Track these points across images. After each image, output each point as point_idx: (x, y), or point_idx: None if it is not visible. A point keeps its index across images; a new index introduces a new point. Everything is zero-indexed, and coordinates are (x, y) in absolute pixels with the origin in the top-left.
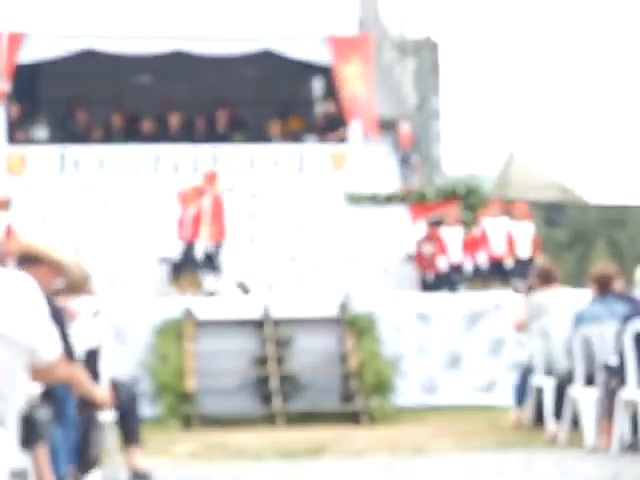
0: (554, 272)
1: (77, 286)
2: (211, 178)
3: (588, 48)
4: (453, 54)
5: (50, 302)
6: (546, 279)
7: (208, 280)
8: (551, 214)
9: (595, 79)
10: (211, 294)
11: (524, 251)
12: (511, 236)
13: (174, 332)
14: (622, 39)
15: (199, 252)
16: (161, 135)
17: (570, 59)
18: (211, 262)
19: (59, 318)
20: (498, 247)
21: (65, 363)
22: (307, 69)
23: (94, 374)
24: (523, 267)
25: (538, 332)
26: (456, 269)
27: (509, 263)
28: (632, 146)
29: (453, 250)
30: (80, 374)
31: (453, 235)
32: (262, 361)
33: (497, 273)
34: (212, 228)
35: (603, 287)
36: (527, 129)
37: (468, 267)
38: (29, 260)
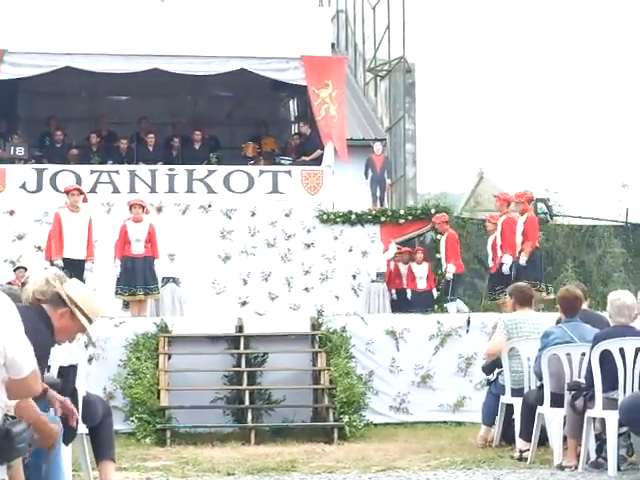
0: (530, 293)
1: None
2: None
3: (557, 69)
4: (424, 75)
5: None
6: (521, 300)
7: None
8: None
9: (565, 99)
10: None
11: None
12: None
13: (148, 347)
14: (590, 62)
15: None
16: (138, 154)
17: (541, 78)
18: None
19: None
20: None
21: (38, 378)
22: (281, 90)
23: (70, 390)
24: None
25: (508, 351)
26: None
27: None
28: (599, 164)
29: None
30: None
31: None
32: (235, 377)
33: None
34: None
35: (570, 309)
36: (497, 148)
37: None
38: (58, 300)
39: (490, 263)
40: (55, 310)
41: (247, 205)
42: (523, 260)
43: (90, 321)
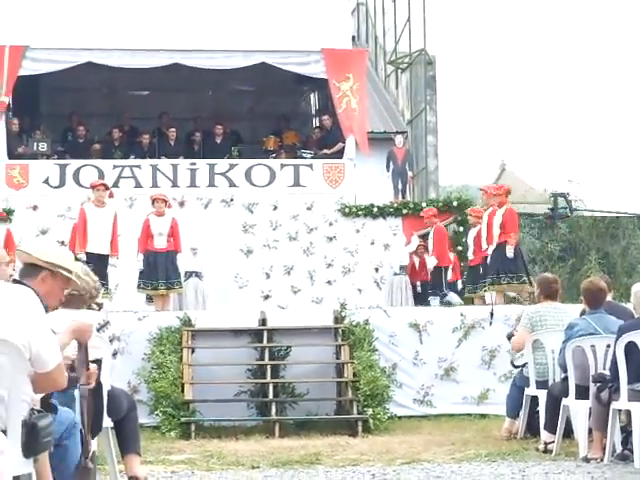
0: (556, 286)
1: (85, 295)
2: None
3: (579, 61)
4: (445, 67)
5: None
6: (547, 293)
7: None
8: (543, 226)
9: (587, 90)
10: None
11: None
12: None
13: (171, 341)
14: (612, 53)
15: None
16: (159, 149)
17: (563, 70)
18: None
19: None
20: None
21: (63, 372)
22: (302, 84)
23: (95, 384)
24: None
25: (532, 344)
26: None
27: None
28: (622, 156)
29: None
30: None
31: None
32: (258, 370)
33: None
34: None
35: (594, 300)
36: (519, 140)
37: None
38: (33, 269)
39: (471, 256)
40: (35, 279)
41: (269, 199)
42: (510, 252)
43: (69, 271)
